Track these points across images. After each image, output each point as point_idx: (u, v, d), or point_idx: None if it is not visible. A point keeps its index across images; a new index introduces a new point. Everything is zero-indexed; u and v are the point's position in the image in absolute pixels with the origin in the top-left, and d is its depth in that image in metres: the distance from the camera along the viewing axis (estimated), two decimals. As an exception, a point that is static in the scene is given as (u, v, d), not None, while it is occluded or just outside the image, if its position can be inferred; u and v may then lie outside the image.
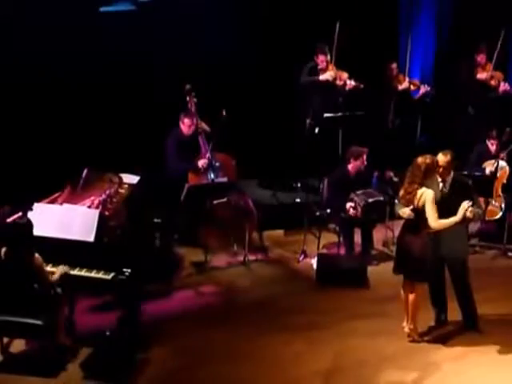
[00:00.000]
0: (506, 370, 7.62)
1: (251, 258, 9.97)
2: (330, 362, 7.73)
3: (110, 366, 7.38)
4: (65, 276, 7.39)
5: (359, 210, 9.52)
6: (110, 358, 7.43)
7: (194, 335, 8.14)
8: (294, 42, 11.73)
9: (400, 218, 7.97)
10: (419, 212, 7.64)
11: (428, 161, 7.66)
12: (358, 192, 9.65)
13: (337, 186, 9.91)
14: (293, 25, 11.99)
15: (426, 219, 7.61)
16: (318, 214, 10.03)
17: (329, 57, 11.33)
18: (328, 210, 9.88)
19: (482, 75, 11.93)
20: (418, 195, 7.61)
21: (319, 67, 11.37)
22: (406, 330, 8.09)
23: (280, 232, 10.89)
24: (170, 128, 10.13)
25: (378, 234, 10.31)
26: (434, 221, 7.55)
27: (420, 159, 7.69)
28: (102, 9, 11.30)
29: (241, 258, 9.94)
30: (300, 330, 8.29)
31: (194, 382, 7.44)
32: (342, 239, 9.87)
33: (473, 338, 8.15)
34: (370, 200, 9.61)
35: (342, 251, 9.87)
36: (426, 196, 7.57)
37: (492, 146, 10.48)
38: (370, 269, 9.58)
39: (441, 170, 7.81)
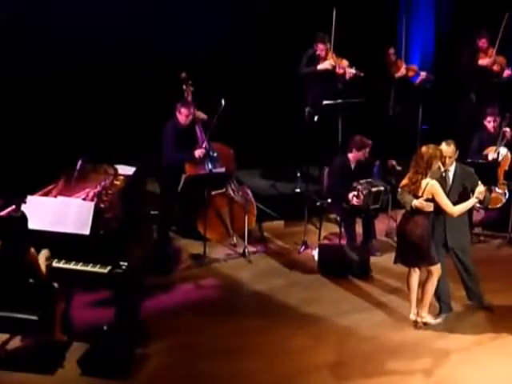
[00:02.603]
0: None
1: (251, 249, 9.85)
2: (336, 355, 7.63)
3: (108, 361, 7.24)
4: (50, 267, 7.23)
5: (362, 198, 9.36)
6: (108, 353, 7.30)
7: (194, 329, 8.03)
8: (293, 30, 11.66)
9: (404, 207, 7.95)
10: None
11: (431, 151, 7.70)
12: (361, 181, 9.51)
13: (337, 175, 9.77)
14: (291, 12, 11.89)
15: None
16: (318, 203, 9.86)
17: (328, 45, 11.20)
18: (329, 200, 9.72)
19: (484, 61, 11.78)
20: (423, 185, 7.66)
21: (318, 54, 11.24)
22: (413, 317, 8.07)
23: (280, 223, 10.77)
24: (166, 118, 9.96)
25: (381, 224, 10.19)
26: (451, 209, 7.71)
27: (423, 149, 7.74)
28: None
29: (240, 250, 9.81)
30: (303, 323, 8.18)
31: (195, 377, 7.30)
32: (343, 229, 9.72)
33: (478, 328, 8.09)
34: (373, 189, 9.49)
35: (344, 242, 9.70)
36: (433, 187, 7.64)
37: (489, 123, 10.25)
38: (372, 259, 9.47)
39: (444, 159, 7.83)
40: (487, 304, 8.33)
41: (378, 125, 11.36)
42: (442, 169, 7.87)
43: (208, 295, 8.85)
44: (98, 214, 7.53)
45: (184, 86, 9.90)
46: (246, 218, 9.77)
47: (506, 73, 11.76)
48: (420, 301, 8.08)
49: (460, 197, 7.85)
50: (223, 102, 9.66)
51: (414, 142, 11.35)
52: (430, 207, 7.69)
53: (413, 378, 7.27)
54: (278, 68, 11.54)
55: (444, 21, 13.16)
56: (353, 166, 9.76)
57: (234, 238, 10.00)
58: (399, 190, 7.96)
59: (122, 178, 8.24)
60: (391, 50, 12.00)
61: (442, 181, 7.86)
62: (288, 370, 7.38)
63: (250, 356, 7.57)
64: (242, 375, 7.29)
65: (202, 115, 10.02)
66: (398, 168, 10.08)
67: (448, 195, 7.77)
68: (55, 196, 7.82)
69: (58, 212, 7.50)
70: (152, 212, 8.96)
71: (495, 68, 11.77)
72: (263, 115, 11.66)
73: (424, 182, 7.65)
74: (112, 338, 7.37)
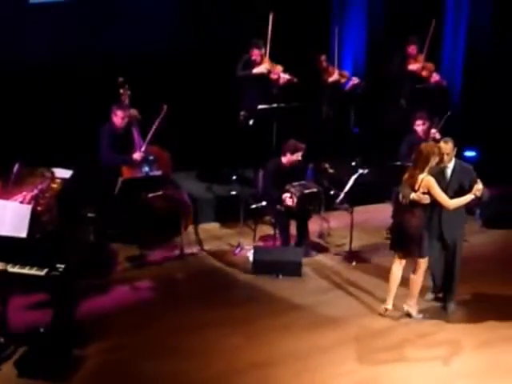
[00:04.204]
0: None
1: (187, 251, 9.92)
2: (268, 354, 7.75)
3: (45, 363, 7.28)
4: None
5: (295, 200, 9.54)
6: (45, 355, 7.33)
7: (131, 330, 8.10)
8: (229, 34, 11.73)
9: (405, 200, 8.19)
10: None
11: (429, 148, 8.14)
12: (294, 183, 9.67)
13: (272, 178, 9.89)
14: (228, 16, 12.00)
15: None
16: (253, 206, 9.98)
17: (263, 50, 11.32)
18: (264, 203, 9.85)
19: (413, 66, 12.03)
20: (419, 180, 8.03)
21: (253, 59, 11.33)
22: (387, 307, 8.43)
23: (216, 225, 10.87)
24: (102, 121, 9.99)
25: (314, 226, 10.33)
26: (447, 202, 8.08)
27: (422, 146, 8.21)
28: (32, 0, 11.11)
29: (177, 252, 9.88)
30: (238, 323, 8.30)
31: (132, 377, 7.38)
32: (277, 231, 9.88)
33: (407, 326, 8.31)
34: (306, 191, 9.65)
35: (278, 243, 9.88)
36: (428, 182, 8.03)
37: (418, 127, 10.34)
38: (305, 260, 9.63)
39: (442, 156, 8.20)
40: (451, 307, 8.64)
41: (312, 129, 11.51)
42: (442, 165, 8.24)
43: (144, 296, 8.91)
44: (35, 216, 7.54)
45: (121, 90, 9.95)
46: (183, 220, 9.87)
47: (434, 78, 12.07)
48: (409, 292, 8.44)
49: (457, 192, 8.21)
50: (165, 107, 9.76)
51: (346, 146, 11.57)
52: (426, 200, 8.04)
53: (342, 378, 7.40)
54: (215, 72, 11.64)
55: (376, 27, 13.36)
56: (287, 168, 9.91)
57: (171, 240, 10.07)
58: (401, 183, 8.26)
59: (58, 181, 8.26)
60: (323, 57, 12.17)
61: (441, 176, 8.24)
62: (222, 369, 7.49)
63: (185, 355, 7.67)
64: (178, 374, 7.38)
65: (134, 112, 10.07)
66: (331, 171, 10.23)
67: (446, 190, 8.14)
68: (-8, 199, 7.82)
69: (-6, 215, 7.51)
70: (89, 214, 8.99)
71: (424, 74, 12.03)
72: (199, 118, 11.71)
73: (420, 177, 8.02)
74: (49, 340, 7.40)
